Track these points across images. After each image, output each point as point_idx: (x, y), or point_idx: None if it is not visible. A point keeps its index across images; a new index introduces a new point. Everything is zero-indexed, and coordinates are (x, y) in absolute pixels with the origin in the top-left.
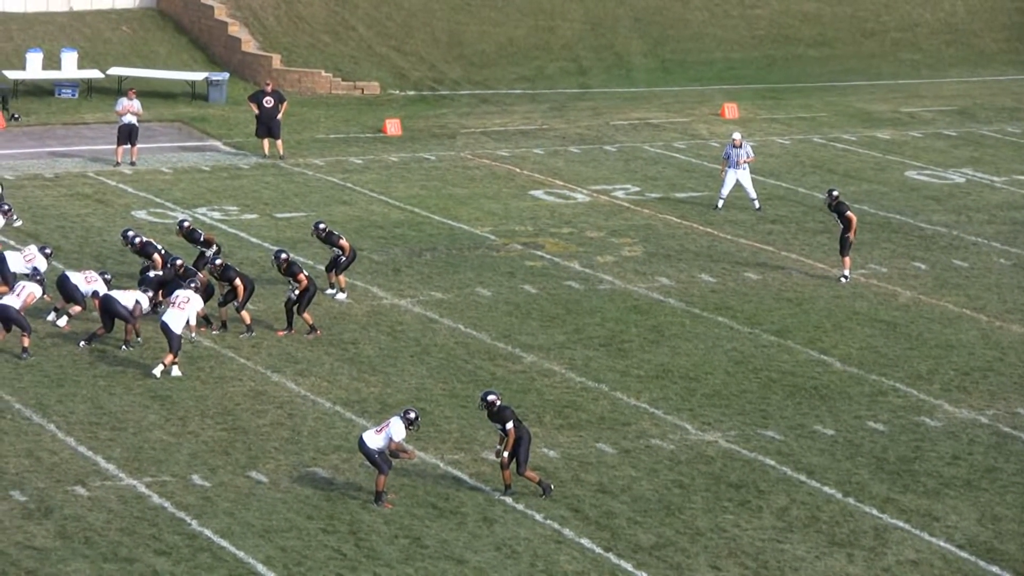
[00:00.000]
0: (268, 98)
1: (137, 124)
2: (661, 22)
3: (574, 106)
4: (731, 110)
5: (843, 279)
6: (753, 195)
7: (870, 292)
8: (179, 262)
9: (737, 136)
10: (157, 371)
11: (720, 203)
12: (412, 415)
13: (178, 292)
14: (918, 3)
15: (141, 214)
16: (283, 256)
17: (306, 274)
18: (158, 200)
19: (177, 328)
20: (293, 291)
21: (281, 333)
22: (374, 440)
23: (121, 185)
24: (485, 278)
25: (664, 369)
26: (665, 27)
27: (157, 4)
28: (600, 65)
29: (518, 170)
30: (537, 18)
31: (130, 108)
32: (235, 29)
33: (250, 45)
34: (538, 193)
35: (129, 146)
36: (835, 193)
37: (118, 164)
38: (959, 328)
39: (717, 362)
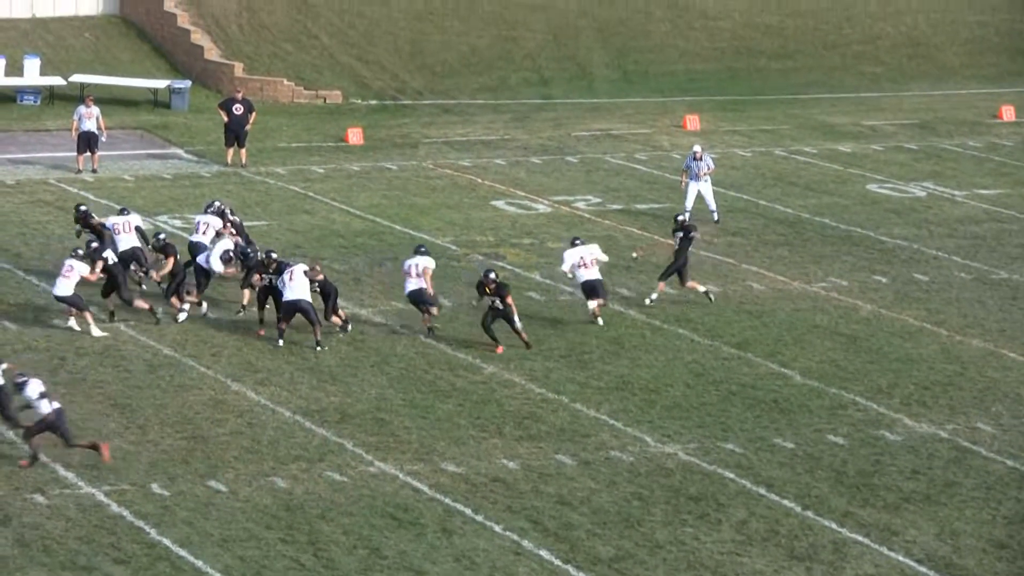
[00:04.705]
0: (238, 105)
1: (96, 132)
2: (624, 33)
3: (536, 116)
4: (693, 122)
5: (649, 301)
6: (713, 207)
7: (830, 306)
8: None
9: (697, 148)
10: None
11: (685, 216)
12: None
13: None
14: (880, 16)
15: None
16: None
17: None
18: (118, 208)
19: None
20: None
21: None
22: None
23: (83, 192)
24: (446, 288)
25: (624, 381)
26: (627, 38)
27: (120, 11)
28: (562, 76)
29: (480, 180)
30: (499, 28)
31: (89, 115)
32: (197, 37)
33: (212, 53)
34: (499, 203)
35: (89, 154)
36: (680, 218)
37: (79, 171)
38: (919, 342)
39: (677, 374)
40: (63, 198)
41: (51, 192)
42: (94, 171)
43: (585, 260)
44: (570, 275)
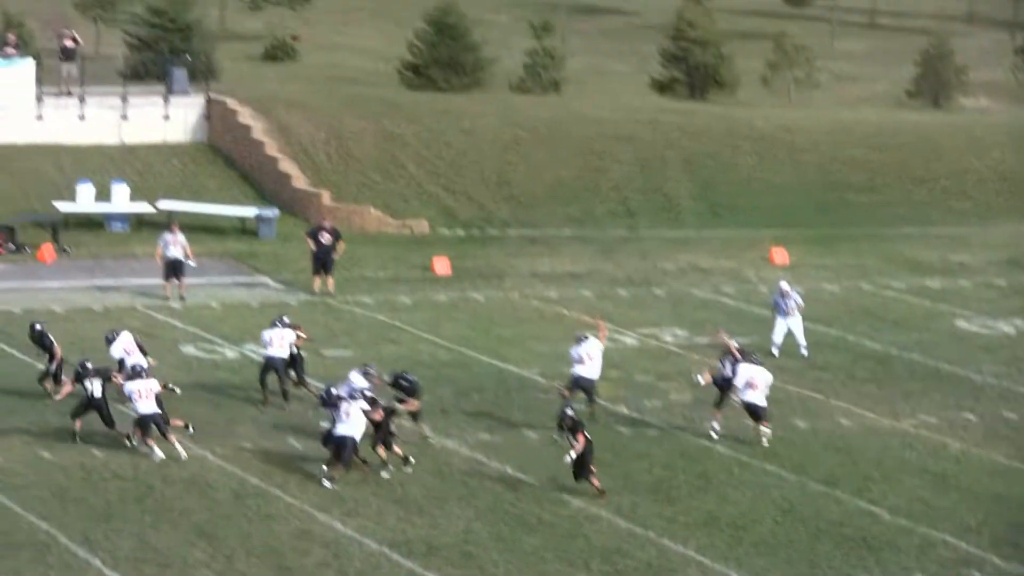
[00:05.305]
0: (325, 234)
1: (183, 258)
2: (711, 165)
3: (623, 248)
4: (780, 255)
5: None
6: (802, 342)
7: (919, 443)
8: (89, 364)
9: (784, 285)
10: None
11: (775, 351)
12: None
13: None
14: (967, 151)
15: (189, 349)
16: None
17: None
18: (206, 335)
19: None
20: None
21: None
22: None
23: (170, 319)
24: (533, 420)
25: (711, 516)
26: (714, 171)
27: (208, 139)
28: (649, 207)
29: (566, 312)
30: (586, 159)
31: (174, 242)
32: (285, 165)
33: (300, 181)
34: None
35: (176, 281)
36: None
37: (167, 299)
38: (1009, 480)
39: (765, 510)
40: (151, 325)
41: (138, 319)
42: (181, 298)
43: (755, 381)
44: (739, 394)
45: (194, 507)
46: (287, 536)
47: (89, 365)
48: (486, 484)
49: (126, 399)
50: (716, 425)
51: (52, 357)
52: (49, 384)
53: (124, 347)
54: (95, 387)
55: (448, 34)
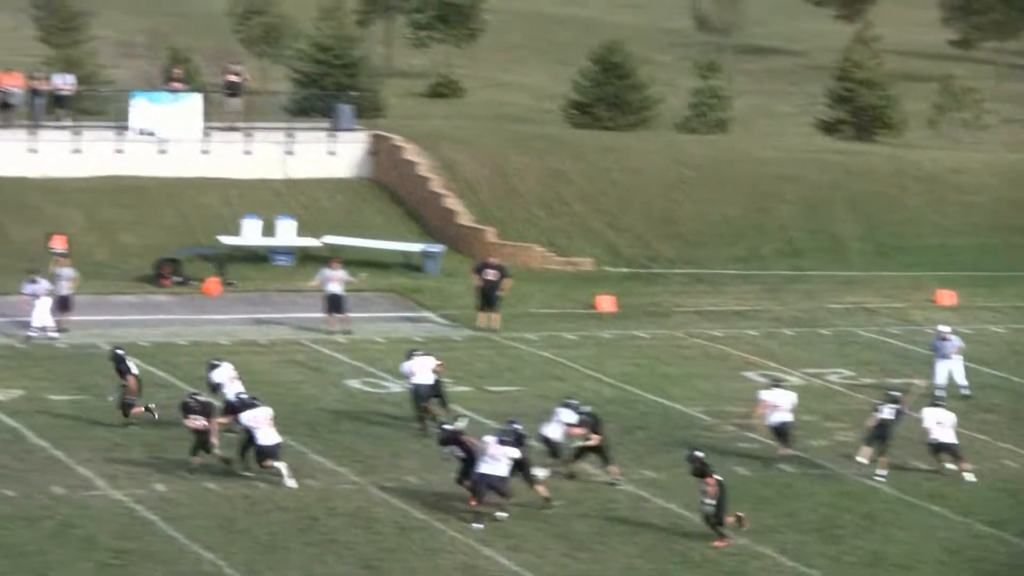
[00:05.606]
0: (490, 271)
1: (342, 293)
2: (877, 206)
3: (788, 288)
4: (946, 297)
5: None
6: (964, 383)
7: None
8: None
9: (944, 328)
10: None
11: (941, 393)
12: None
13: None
14: None
15: (354, 383)
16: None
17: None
18: (371, 369)
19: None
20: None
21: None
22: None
23: (335, 353)
24: None
25: (877, 556)
26: (881, 211)
27: (373, 175)
28: (815, 247)
29: (732, 351)
30: (752, 199)
31: (334, 278)
32: (450, 202)
33: (465, 218)
34: (751, 374)
35: (338, 315)
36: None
37: (332, 332)
38: None
39: (930, 551)
40: (316, 359)
41: (303, 352)
42: (347, 332)
43: (943, 420)
44: (929, 435)
45: (359, 540)
46: (452, 570)
47: (200, 398)
48: (650, 521)
49: (243, 431)
50: (882, 471)
51: (125, 384)
52: (139, 410)
53: (226, 376)
54: (200, 420)
55: (614, 72)
